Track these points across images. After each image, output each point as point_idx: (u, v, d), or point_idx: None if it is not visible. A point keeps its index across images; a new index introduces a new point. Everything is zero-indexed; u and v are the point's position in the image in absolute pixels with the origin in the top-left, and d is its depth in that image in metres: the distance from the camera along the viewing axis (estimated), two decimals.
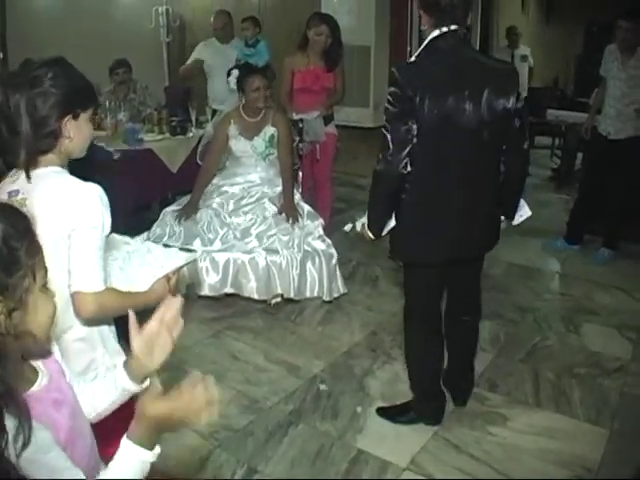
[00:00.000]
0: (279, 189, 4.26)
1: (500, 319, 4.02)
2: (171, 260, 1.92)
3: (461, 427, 3.02)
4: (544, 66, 10.06)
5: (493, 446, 2.90)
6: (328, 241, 4.11)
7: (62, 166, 1.76)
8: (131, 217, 4.67)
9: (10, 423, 1.01)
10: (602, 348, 3.80)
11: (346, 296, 4.22)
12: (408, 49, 7.34)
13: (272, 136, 4.23)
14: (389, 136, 2.45)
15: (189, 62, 6.03)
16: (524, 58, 8.26)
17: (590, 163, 5.41)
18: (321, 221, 4.22)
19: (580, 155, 7.43)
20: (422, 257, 2.72)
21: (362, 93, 6.68)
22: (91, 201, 1.70)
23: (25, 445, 1.03)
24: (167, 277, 1.87)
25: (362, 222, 2.73)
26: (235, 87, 4.19)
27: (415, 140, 2.45)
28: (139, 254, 1.95)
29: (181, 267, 1.94)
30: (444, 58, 2.49)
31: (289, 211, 4.19)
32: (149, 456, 1.19)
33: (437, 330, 2.96)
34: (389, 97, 2.46)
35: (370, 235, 2.70)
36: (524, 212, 2.86)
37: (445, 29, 2.45)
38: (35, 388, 1.20)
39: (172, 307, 1.37)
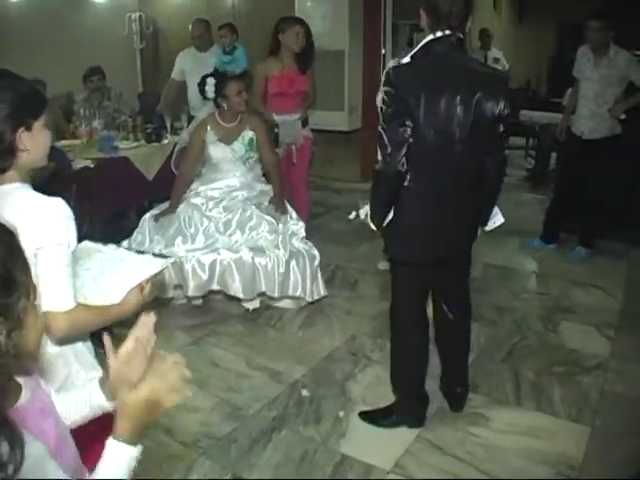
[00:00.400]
0: (256, 193, 4.26)
1: (479, 320, 4.02)
2: (145, 268, 1.90)
3: (444, 428, 3.03)
4: (517, 67, 10.13)
5: (476, 447, 2.91)
6: (310, 243, 4.12)
7: (24, 180, 1.70)
8: (108, 225, 4.65)
9: (4, 446, 0.99)
10: (581, 346, 3.83)
11: (325, 300, 4.21)
12: (382, 53, 7.37)
13: (251, 139, 4.23)
14: (386, 136, 2.51)
15: (174, 76, 5.99)
16: (496, 60, 8.34)
17: (565, 163, 5.45)
18: (303, 224, 4.21)
19: (554, 155, 7.51)
20: (413, 256, 2.79)
21: (337, 97, 6.70)
22: (54, 217, 1.65)
23: (21, 461, 1.01)
24: (140, 286, 1.85)
25: (366, 212, 2.82)
26: (213, 96, 4.15)
27: (411, 139, 2.50)
28: (112, 263, 1.92)
29: (155, 275, 1.92)
30: (437, 61, 2.56)
31: (279, 205, 4.25)
32: (135, 452, 1.20)
33: (422, 331, 2.99)
34: (384, 97, 2.51)
35: (372, 226, 2.78)
36: (497, 219, 2.90)
37: (440, 34, 2.52)
38: (22, 401, 1.18)
39: (147, 326, 1.36)
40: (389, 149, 2.51)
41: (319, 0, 6.91)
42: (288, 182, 5.02)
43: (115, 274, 1.86)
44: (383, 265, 4.84)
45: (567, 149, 5.37)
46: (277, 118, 4.82)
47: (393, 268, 2.98)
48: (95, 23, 8.01)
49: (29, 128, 1.65)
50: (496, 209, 2.88)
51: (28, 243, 1.59)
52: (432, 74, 2.54)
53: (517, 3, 12.33)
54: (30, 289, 1.09)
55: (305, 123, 5.03)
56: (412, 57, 2.60)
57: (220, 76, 4.18)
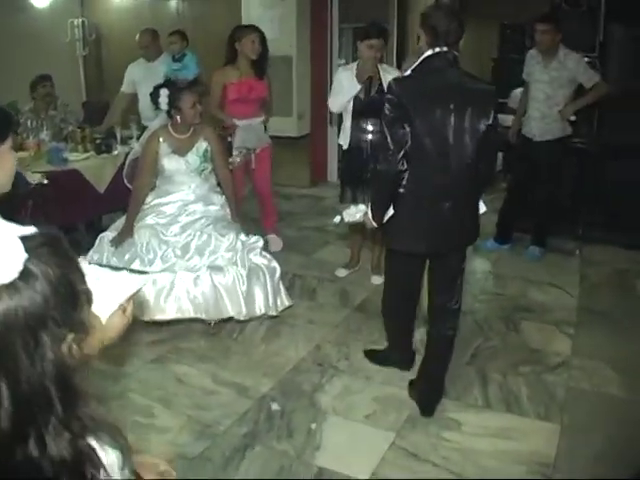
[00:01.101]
0: (214, 207, 4.18)
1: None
2: (123, 287, 1.81)
3: (417, 435, 3.03)
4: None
5: (450, 451, 2.92)
6: (269, 256, 4.05)
7: None
8: None
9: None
10: (543, 345, 3.89)
11: (286, 310, 4.15)
12: (329, 58, 7.37)
13: (206, 150, 4.14)
14: (389, 138, 2.81)
15: (124, 89, 5.86)
16: None
17: (516, 165, 5.53)
18: (260, 239, 4.15)
19: (500, 155, 7.61)
20: (411, 247, 3.05)
21: (285, 103, 6.64)
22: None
23: None
24: (123, 307, 1.76)
25: (361, 212, 3.17)
26: (166, 107, 4.05)
27: (409, 143, 2.80)
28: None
29: (135, 293, 1.83)
30: (435, 75, 2.89)
31: (235, 218, 4.23)
32: None
33: (413, 298, 3.36)
34: (387, 104, 2.82)
35: (373, 223, 3.06)
36: (481, 208, 3.15)
37: (437, 49, 2.86)
38: None
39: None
40: (391, 150, 2.81)
41: (266, 6, 6.87)
42: (254, 189, 5.27)
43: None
44: (341, 272, 4.87)
45: (518, 151, 5.44)
46: (239, 123, 4.92)
47: (391, 258, 3.27)
48: (36, 29, 7.78)
49: None
50: (481, 200, 3.15)
51: None
52: (430, 86, 2.86)
53: (458, 5, 12.46)
54: (89, 294, 1.05)
55: (265, 129, 5.19)
56: (413, 71, 2.94)
57: (173, 87, 4.07)
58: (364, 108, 4.36)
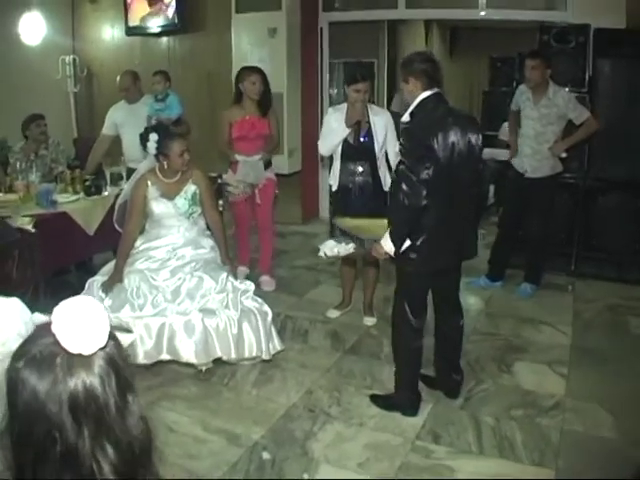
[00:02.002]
0: (203, 250, 4.16)
1: (432, 365, 4.00)
2: None
3: None
4: (450, 101, 10.30)
5: None
6: (260, 300, 4.02)
7: None
8: (49, 284, 4.47)
9: None
10: (536, 386, 3.86)
11: (278, 354, 4.11)
12: (320, 95, 7.42)
13: (194, 194, 4.13)
14: (414, 177, 3.08)
15: (105, 131, 5.82)
16: None
17: (508, 201, 5.54)
18: (252, 284, 4.13)
19: (492, 188, 7.63)
20: (426, 266, 3.35)
21: None
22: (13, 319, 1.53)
23: None
24: None
25: (339, 247, 3.56)
26: (154, 152, 4.05)
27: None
28: None
29: None
30: (435, 112, 3.26)
31: (225, 261, 4.23)
32: None
33: (422, 332, 3.54)
34: (408, 145, 3.14)
35: (389, 252, 3.28)
36: None
37: (435, 90, 3.26)
38: None
39: None
40: (416, 187, 3.07)
41: (257, 44, 6.91)
42: (254, 224, 5.54)
43: None
44: (332, 313, 4.84)
45: (510, 187, 5.45)
46: (239, 158, 5.14)
47: (404, 277, 3.48)
48: (27, 65, 7.81)
49: None
50: None
51: None
52: (437, 122, 3.21)
53: (448, 38, 12.59)
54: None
55: (268, 165, 5.35)
56: (411, 114, 3.27)
57: (163, 133, 4.07)
58: (353, 152, 4.39)
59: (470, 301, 5.22)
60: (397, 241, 3.25)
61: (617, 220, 5.55)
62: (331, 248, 3.58)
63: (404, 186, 3.11)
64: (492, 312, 5.06)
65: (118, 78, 5.73)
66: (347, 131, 4.32)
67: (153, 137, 3.99)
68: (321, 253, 3.67)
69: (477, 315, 5.03)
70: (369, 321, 4.69)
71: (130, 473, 0.97)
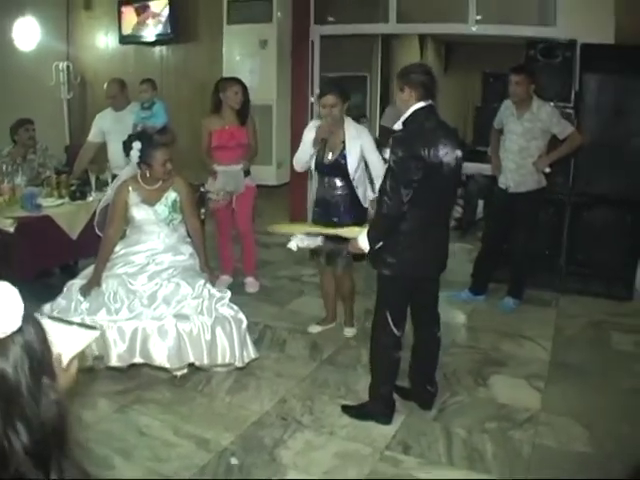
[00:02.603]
0: (182, 257, 4.17)
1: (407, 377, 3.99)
2: (70, 343, 1.76)
3: None
4: (443, 116, 10.33)
5: None
6: (236, 307, 4.01)
7: None
8: (31, 284, 4.47)
9: None
10: (511, 400, 3.84)
11: (254, 362, 4.10)
12: (309, 107, 7.43)
13: (175, 201, 4.14)
14: (401, 186, 3.14)
15: (91, 138, 5.90)
16: None
17: (491, 216, 5.55)
18: (228, 291, 4.13)
19: (481, 203, 7.64)
20: (406, 272, 3.40)
21: (265, 151, 6.70)
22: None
23: None
24: (63, 365, 1.71)
25: (310, 240, 3.85)
26: (137, 161, 4.06)
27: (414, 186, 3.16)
28: None
29: (81, 351, 1.79)
30: (426, 123, 3.27)
31: (204, 268, 4.23)
32: None
33: (401, 342, 3.55)
34: (399, 155, 3.15)
35: (364, 249, 3.40)
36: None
37: (423, 103, 3.27)
38: None
39: None
40: (399, 195, 3.14)
41: (247, 55, 6.98)
42: (234, 229, 5.63)
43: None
44: (314, 329, 4.81)
45: (493, 202, 5.46)
46: (219, 168, 5.22)
47: (384, 284, 3.50)
48: (21, 71, 7.89)
49: None
50: None
51: None
52: (428, 132, 3.24)
53: (443, 53, 12.64)
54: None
55: (247, 173, 5.42)
56: (404, 123, 3.30)
57: (146, 142, 4.08)
58: (326, 169, 4.31)
59: (452, 314, 5.20)
60: (371, 242, 3.36)
61: (603, 235, 5.55)
62: (302, 240, 3.74)
63: (386, 194, 3.20)
64: (473, 326, 5.06)
65: (105, 85, 5.77)
66: (312, 150, 4.27)
67: (136, 145, 4.01)
68: (292, 245, 3.81)
69: (458, 328, 5.02)
70: (349, 332, 4.69)
71: (43, 453, 1.00)
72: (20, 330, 1.01)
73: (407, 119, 3.30)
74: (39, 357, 1.03)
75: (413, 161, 3.13)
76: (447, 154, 3.22)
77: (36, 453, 0.99)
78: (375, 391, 3.60)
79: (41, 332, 1.08)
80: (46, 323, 1.87)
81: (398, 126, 3.34)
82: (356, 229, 3.55)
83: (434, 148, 3.18)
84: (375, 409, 3.58)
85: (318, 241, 3.75)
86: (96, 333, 1.89)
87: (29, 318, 1.04)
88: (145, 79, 5.74)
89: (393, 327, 3.46)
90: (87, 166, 5.71)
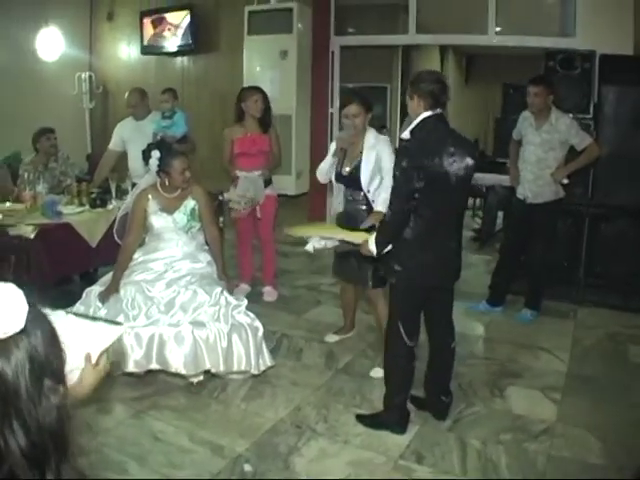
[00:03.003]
0: (200, 265, 4.21)
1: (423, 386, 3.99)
2: (98, 338, 1.77)
3: None
4: (464, 127, 10.36)
5: None
6: (252, 315, 4.03)
7: None
8: (51, 291, 4.53)
9: None
10: (527, 411, 3.82)
11: (270, 370, 4.12)
12: (329, 118, 7.47)
13: (193, 209, 4.20)
14: (403, 193, 3.19)
15: (112, 147, 5.94)
16: None
17: (509, 227, 5.53)
18: (245, 299, 4.16)
19: (501, 214, 7.62)
20: (418, 280, 3.41)
21: (284, 161, 6.71)
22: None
23: None
24: (92, 361, 1.71)
25: (326, 241, 3.75)
26: (156, 169, 4.12)
27: (417, 195, 3.18)
28: (62, 333, 1.79)
29: (109, 346, 1.80)
30: (435, 131, 3.28)
31: (222, 276, 4.28)
32: None
33: (414, 352, 3.54)
34: (404, 162, 3.17)
35: (372, 252, 3.39)
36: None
37: (437, 111, 3.28)
38: None
39: None
40: (402, 203, 3.19)
41: (267, 66, 7.03)
42: (256, 238, 5.74)
43: (65, 346, 1.74)
44: (331, 338, 4.81)
45: (511, 213, 5.45)
46: (240, 174, 5.31)
47: (395, 294, 3.51)
48: (44, 81, 7.99)
49: None
50: None
51: None
52: (436, 141, 3.25)
53: (464, 64, 12.66)
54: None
55: (269, 182, 5.52)
56: (412, 132, 3.28)
57: (165, 150, 4.14)
58: (344, 180, 4.21)
59: (469, 326, 5.20)
60: (378, 246, 3.38)
61: (621, 247, 5.51)
62: (318, 241, 3.74)
63: (390, 202, 3.28)
64: (490, 337, 5.04)
65: (126, 95, 5.84)
66: (332, 160, 4.22)
67: (155, 154, 4.08)
68: (309, 247, 3.79)
69: (475, 340, 5.01)
70: (377, 372, 4.20)
71: (39, 455, 1.00)
72: (24, 332, 1.01)
73: (415, 128, 3.30)
74: (42, 360, 1.03)
75: (415, 171, 3.13)
76: (454, 163, 3.21)
77: (32, 455, 0.99)
78: (389, 401, 3.60)
79: (50, 336, 1.08)
80: (71, 320, 1.89)
81: (406, 135, 3.33)
82: (366, 235, 3.55)
83: (439, 157, 3.18)
84: (390, 419, 3.57)
85: (336, 241, 3.75)
86: (122, 329, 1.89)
87: (37, 321, 1.05)
88: (166, 89, 5.81)
89: (406, 337, 3.45)
90: (108, 174, 5.77)
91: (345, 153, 4.19)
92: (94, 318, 1.87)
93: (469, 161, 3.28)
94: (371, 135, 4.13)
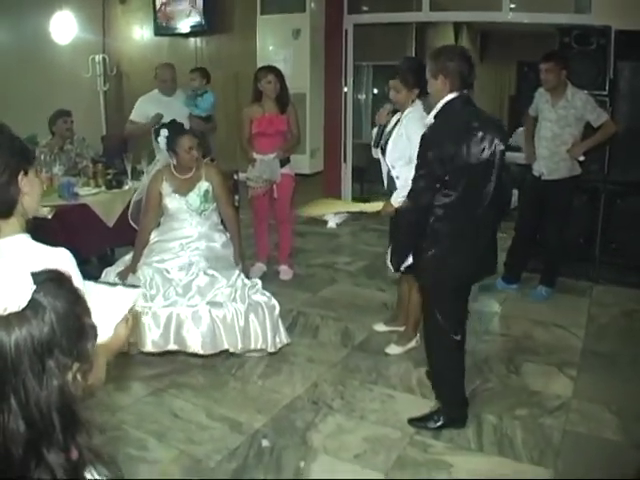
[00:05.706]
0: (215, 244, 4.25)
1: None
2: (122, 300, 1.81)
3: (405, 477, 2.99)
4: (479, 105, 10.27)
5: None
6: (268, 294, 4.06)
7: (24, 231, 1.74)
8: None
9: None
10: (543, 387, 3.84)
11: (287, 347, 4.17)
12: (343, 96, 7.45)
13: (207, 191, 4.22)
14: (425, 177, 3.03)
15: (135, 119, 5.75)
16: None
17: (525, 204, 5.50)
18: (259, 281, 4.19)
19: (516, 192, 7.58)
20: (457, 277, 3.21)
21: None
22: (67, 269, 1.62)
23: None
24: (126, 318, 1.77)
25: (334, 220, 3.74)
26: (165, 148, 4.16)
27: (446, 190, 3.02)
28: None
29: (132, 307, 1.84)
30: (461, 114, 3.07)
31: (237, 260, 4.30)
32: None
33: (464, 346, 3.40)
34: (425, 150, 3.01)
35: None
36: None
37: (457, 93, 3.03)
38: None
39: None
40: (422, 197, 3.05)
41: (280, 44, 7.02)
42: (272, 217, 5.73)
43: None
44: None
45: (527, 189, 5.42)
46: (257, 156, 5.31)
47: (435, 294, 3.31)
48: (58, 64, 8.02)
49: (26, 173, 1.73)
50: None
51: None
52: (461, 127, 3.02)
53: (478, 42, 12.56)
54: (95, 329, 1.12)
55: (286, 162, 5.50)
56: (436, 116, 3.08)
57: (174, 129, 4.16)
58: (381, 155, 4.09)
59: (485, 303, 5.22)
60: (395, 253, 3.42)
61: (638, 224, 5.47)
62: (338, 217, 3.68)
63: (412, 191, 3.14)
64: (506, 314, 5.05)
65: (157, 68, 5.76)
66: (374, 131, 4.20)
67: (163, 132, 4.11)
68: (331, 224, 3.73)
69: (491, 316, 5.02)
70: (393, 350, 4.29)
71: (38, 435, 1.00)
72: (30, 310, 0.99)
73: (439, 112, 3.07)
74: (46, 340, 1.00)
75: (440, 163, 2.97)
76: (484, 150, 2.98)
77: (30, 434, 0.99)
78: (451, 398, 3.44)
79: (66, 310, 1.05)
80: (89, 286, 1.92)
81: (430, 120, 3.12)
82: (380, 203, 3.51)
83: (467, 145, 2.95)
84: (454, 415, 3.40)
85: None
86: (140, 290, 1.92)
87: (47, 301, 1.02)
88: (196, 68, 5.86)
89: (453, 334, 3.28)
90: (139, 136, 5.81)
91: (384, 127, 4.10)
92: (113, 284, 1.92)
93: (498, 143, 3.01)
94: (409, 112, 3.93)
